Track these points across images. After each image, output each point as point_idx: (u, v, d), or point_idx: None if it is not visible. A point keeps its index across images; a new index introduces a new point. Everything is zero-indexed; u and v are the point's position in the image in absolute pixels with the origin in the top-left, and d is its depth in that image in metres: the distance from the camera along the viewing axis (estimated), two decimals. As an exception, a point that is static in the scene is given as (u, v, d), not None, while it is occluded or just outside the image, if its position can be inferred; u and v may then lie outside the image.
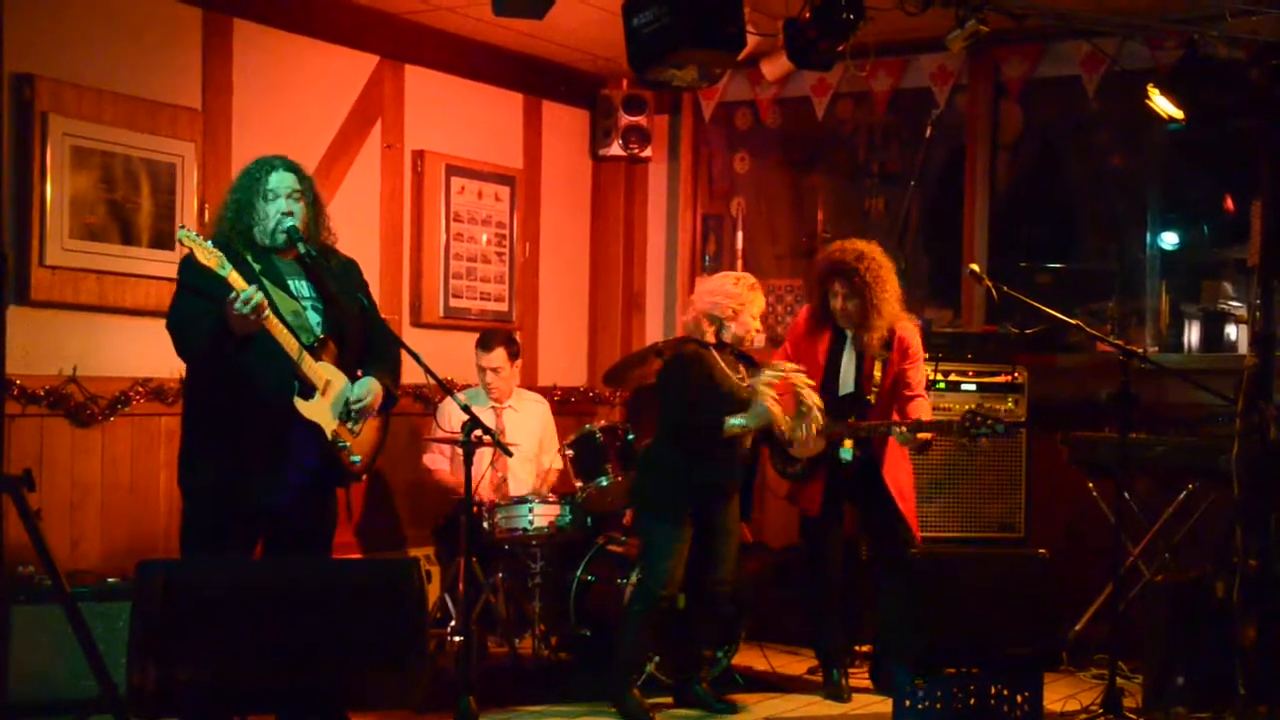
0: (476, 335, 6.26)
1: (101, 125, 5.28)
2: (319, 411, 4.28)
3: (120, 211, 5.38)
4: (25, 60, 5.03)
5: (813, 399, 5.07)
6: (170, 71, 5.58)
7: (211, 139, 5.70)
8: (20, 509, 3.16)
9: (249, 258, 4.25)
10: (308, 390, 4.26)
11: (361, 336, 4.48)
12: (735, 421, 5.05)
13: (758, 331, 5.26)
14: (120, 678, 3.57)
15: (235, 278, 4.02)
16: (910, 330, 5.46)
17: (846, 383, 5.40)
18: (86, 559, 5.23)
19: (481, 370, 6.08)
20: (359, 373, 4.43)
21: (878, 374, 5.35)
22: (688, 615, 5.29)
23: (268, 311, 4.04)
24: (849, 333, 5.40)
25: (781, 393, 5.06)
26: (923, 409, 5.32)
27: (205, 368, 4.28)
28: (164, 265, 5.34)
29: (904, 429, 5.20)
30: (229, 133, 5.78)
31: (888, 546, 5.35)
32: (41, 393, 5.10)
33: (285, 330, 4.19)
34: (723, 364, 5.19)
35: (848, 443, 5.34)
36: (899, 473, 5.44)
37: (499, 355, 6.04)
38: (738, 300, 5.18)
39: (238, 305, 3.97)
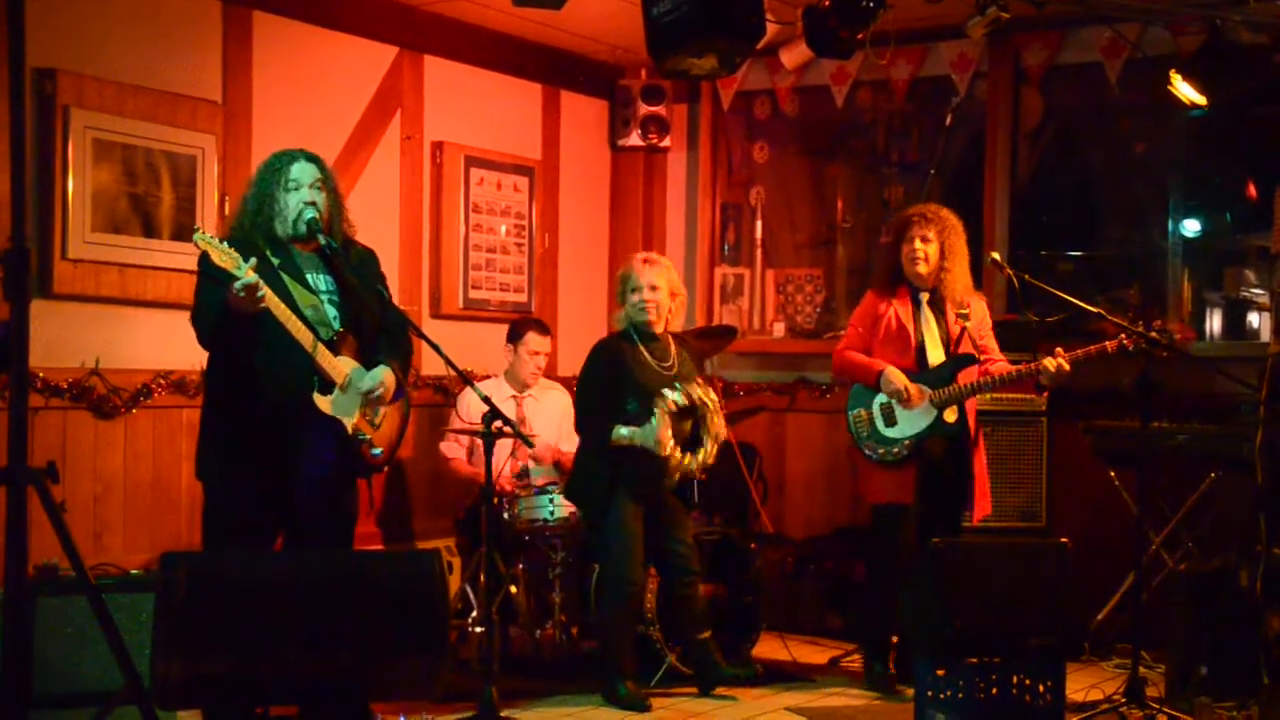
0: (494, 326, 6.28)
1: (122, 118, 5.30)
2: (339, 406, 4.29)
3: (141, 204, 5.40)
4: (47, 55, 5.05)
5: (720, 431, 5.12)
6: (190, 64, 5.59)
7: (232, 131, 5.71)
8: (44, 501, 3.18)
9: (268, 252, 4.26)
10: (327, 385, 4.27)
11: (379, 328, 4.49)
12: (622, 432, 5.10)
13: (646, 305, 5.19)
14: (144, 669, 3.59)
15: (248, 272, 4.04)
16: (984, 305, 5.46)
17: (936, 351, 5.30)
18: (110, 551, 5.26)
19: (533, 354, 6.11)
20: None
21: (971, 330, 5.26)
22: (673, 597, 5.29)
23: (264, 291, 4.05)
24: (923, 298, 5.34)
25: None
26: (1010, 367, 5.27)
27: (220, 354, 4.30)
28: (185, 258, 5.33)
29: (1055, 365, 5.04)
30: (249, 125, 5.79)
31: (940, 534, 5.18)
32: (64, 385, 5.13)
33: (301, 325, 4.19)
34: (644, 356, 5.18)
35: (951, 411, 5.25)
36: (984, 461, 5.39)
37: (548, 341, 6.15)
38: (621, 281, 5.30)
39: (235, 287, 3.99)
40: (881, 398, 5.30)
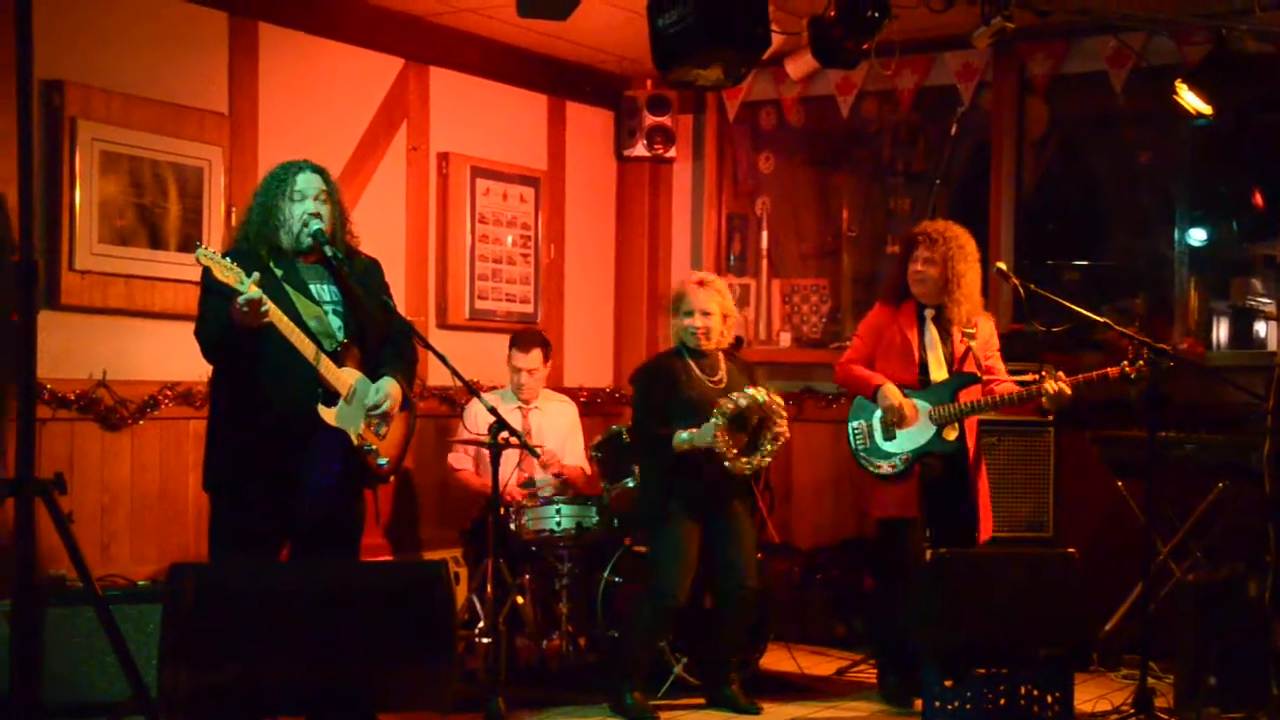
0: (501, 336, 6.27)
1: (130, 130, 5.31)
2: (344, 417, 4.29)
3: (148, 216, 5.40)
4: (54, 67, 5.06)
5: (783, 433, 5.10)
6: (197, 76, 5.61)
7: (238, 143, 5.72)
8: (52, 512, 3.18)
9: (271, 264, 4.27)
10: (331, 396, 4.27)
11: (384, 338, 4.49)
12: (682, 437, 5.08)
13: (696, 331, 5.19)
14: (151, 680, 3.59)
15: (251, 287, 4.04)
16: (992, 325, 5.45)
17: (938, 368, 5.28)
18: (117, 562, 5.26)
19: (516, 370, 6.09)
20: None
21: (975, 350, 5.23)
22: (714, 619, 5.29)
23: (267, 306, 4.05)
24: (928, 315, 5.33)
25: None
26: (1016, 389, 5.25)
27: (224, 366, 4.31)
28: (191, 269, 5.30)
29: (1055, 388, 5.02)
30: (255, 136, 5.81)
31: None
32: (71, 397, 5.13)
33: (303, 336, 4.20)
34: (694, 370, 5.19)
35: (950, 429, 5.23)
36: (985, 479, 5.38)
37: (535, 357, 6.06)
38: (674, 300, 5.30)
39: (239, 302, 4.00)
40: (880, 412, 5.30)
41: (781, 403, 5.16)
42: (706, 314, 5.21)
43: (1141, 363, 4.96)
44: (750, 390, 5.09)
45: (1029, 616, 4.67)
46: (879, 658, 5.54)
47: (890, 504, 5.31)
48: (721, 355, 5.32)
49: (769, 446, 5.13)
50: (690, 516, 5.15)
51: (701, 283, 5.28)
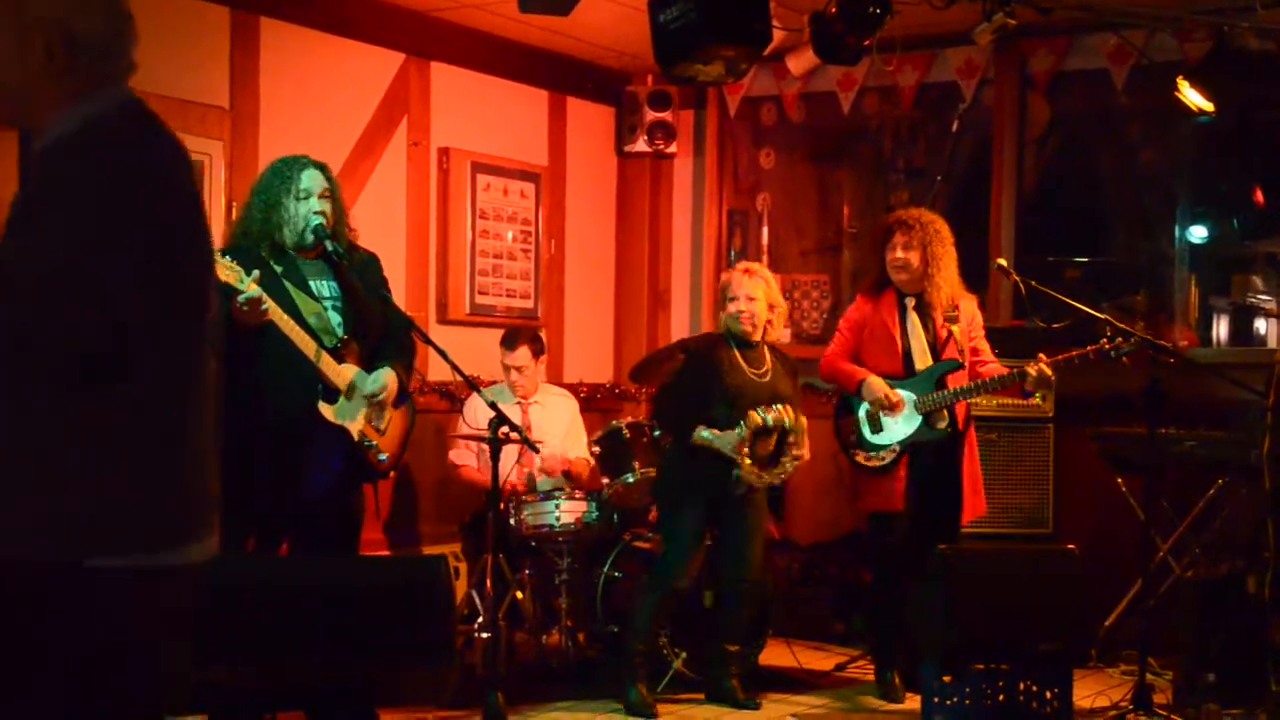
0: (500, 331, 6.26)
1: (130, 124, 5.30)
2: (344, 414, 4.29)
3: (149, 210, 5.40)
4: (54, 60, 5.06)
5: (803, 454, 5.11)
6: (198, 70, 5.60)
7: (239, 137, 5.72)
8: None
9: (271, 261, 4.26)
10: (331, 393, 4.27)
11: (383, 334, 4.49)
12: (703, 435, 5.07)
13: (741, 316, 5.17)
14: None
15: (251, 286, 4.04)
16: (974, 305, 5.44)
17: (923, 356, 5.29)
18: (117, 556, 5.25)
19: (506, 369, 6.08)
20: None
21: (958, 334, 5.24)
22: (714, 612, 5.30)
23: (267, 305, 4.05)
24: (909, 304, 5.33)
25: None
26: (1002, 369, 5.26)
27: (223, 365, 4.30)
28: (192, 263, 5.36)
29: (1036, 370, 5.02)
30: (256, 131, 5.80)
31: (936, 541, 5.14)
32: (72, 391, 5.12)
33: (303, 333, 4.20)
34: (739, 361, 5.19)
35: (939, 417, 5.22)
36: (975, 460, 5.38)
37: (523, 354, 6.04)
38: (721, 290, 5.29)
39: (239, 301, 4.00)
40: (867, 404, 5.30)
41: (805, 426, 5.17)
42: (751, 299, 5.20)
43: (1120, 340, 4.96)
44: (781, 412, 5.08)
45: (1028, 612, 4.67)
46: (874, 652, 5.55)
47: (877, 498, 5.32)
48: (768, 349, 5.31)
49: (788, 466, 5.14)
50: (705, 505, 5.16)
51: (748, 270, 5.28)
